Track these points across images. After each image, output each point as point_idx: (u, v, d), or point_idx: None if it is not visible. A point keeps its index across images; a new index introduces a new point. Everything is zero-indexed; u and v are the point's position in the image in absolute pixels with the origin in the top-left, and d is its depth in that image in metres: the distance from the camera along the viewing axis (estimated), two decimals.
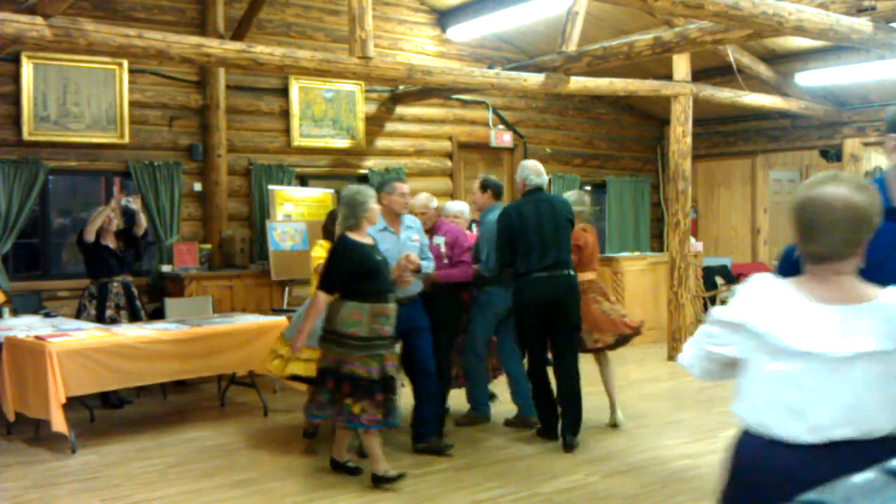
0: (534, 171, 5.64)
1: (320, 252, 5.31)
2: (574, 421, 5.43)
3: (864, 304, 1.87)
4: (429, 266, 5.34)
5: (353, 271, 4.61)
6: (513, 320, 5.74)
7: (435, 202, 5.89)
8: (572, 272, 5.54)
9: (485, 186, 6.05)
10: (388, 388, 4.62)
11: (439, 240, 5.71)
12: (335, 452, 4.93)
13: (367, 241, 4.76)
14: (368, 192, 4.80)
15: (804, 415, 1.84)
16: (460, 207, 6.29)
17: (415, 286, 5.25)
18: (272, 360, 5.53)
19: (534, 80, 7.25)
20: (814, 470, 1.80)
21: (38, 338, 5.48)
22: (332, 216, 5.45)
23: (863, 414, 1.84)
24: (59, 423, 5.23)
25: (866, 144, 10.10)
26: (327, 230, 5.47)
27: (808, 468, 1.81)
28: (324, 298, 4.62)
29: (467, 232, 6.24)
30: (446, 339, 5.64)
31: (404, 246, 5.17)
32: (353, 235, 4.70)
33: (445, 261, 5.65)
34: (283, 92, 8.92)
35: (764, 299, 1.93)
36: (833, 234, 1.88)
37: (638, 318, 6.20)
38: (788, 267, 2.11)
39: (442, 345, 5.53)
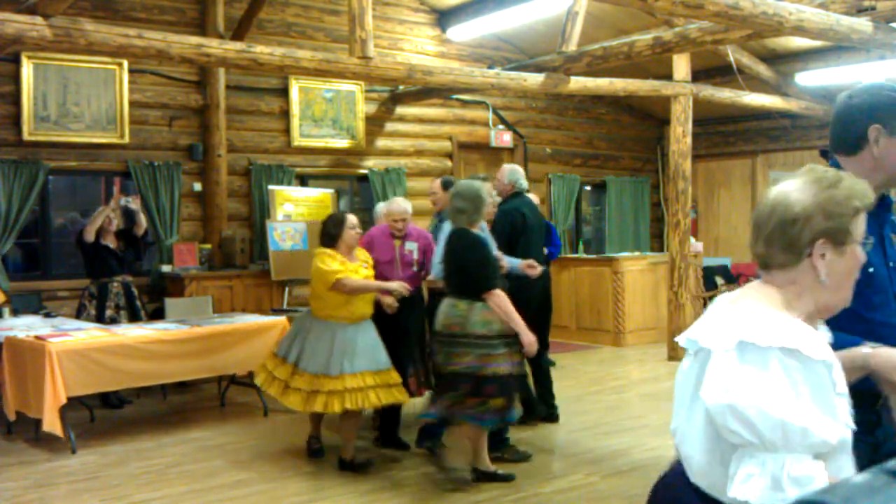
0: (522, 175, 5.97)
1: (334, 265, 4.85)
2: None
3: (728, 306, 1.62)
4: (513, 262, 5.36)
5: None
6: None
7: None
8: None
9: (447, 186, 6.07)
10: (521, 384, 4.62)
11: (412, 245, 5.57)
12: (479, 463, 4.68)
13: None
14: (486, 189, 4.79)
15: None
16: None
17: None
18: (265, 377, 5.14)
19: (534, 80, 7.25)
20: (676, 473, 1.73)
21: (38, 338, 5.48)
22: (337, 221, 5.04)
23: (676, 410, 1.68)
24: (51, 424, 5.20)
25: None
26: (331, 236, 4.99)
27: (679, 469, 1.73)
28: (502, 293, 4.49)
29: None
30: (421, 344, 5.62)
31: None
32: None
33: (416, 267, 5.54)
34: (283, 92, 8.92)
35: None
36: (758, 236, 1.62)
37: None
38: None
39: (419, 351, 5.52)
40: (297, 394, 4.91)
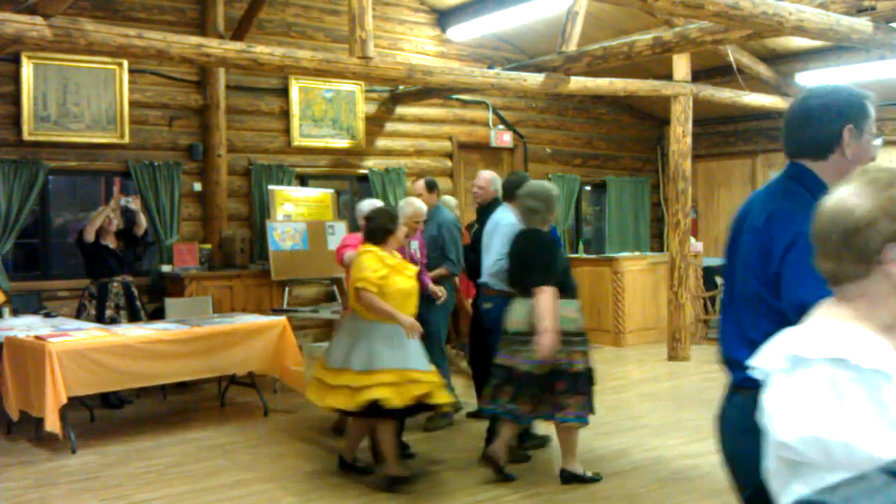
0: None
1: (375, 263, 4.55)
2: None
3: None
4: None
5: (562, 267, 4.62)
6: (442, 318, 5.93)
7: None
8: None
9: (432, 187, 6.18)
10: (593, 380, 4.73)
11: (415, 245, 5.66)
12: (496, 453, 4.69)
13: None
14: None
15: None
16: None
17: None
18: (317, 390, 4.73)
19: (534, 80, 7.25)
20: None
21: (38, 338, 5.48)
22: (392, 216, 4.78)
23: None
24: (52, 424, 5.19)
25: None
26: (386, 231, 4.68)
27: None
28: (554, 292, 4.46)
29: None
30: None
31: None
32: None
33: (419, 266, 5.60)
34: (283, 92, 8.93)
35: None
36: (822, 251, 1.49)
37: None
38: None
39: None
40: (384, 388, 4.43)
